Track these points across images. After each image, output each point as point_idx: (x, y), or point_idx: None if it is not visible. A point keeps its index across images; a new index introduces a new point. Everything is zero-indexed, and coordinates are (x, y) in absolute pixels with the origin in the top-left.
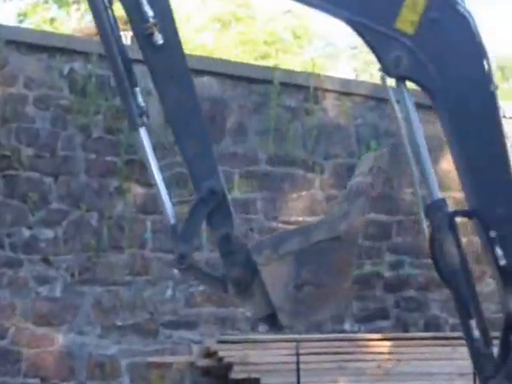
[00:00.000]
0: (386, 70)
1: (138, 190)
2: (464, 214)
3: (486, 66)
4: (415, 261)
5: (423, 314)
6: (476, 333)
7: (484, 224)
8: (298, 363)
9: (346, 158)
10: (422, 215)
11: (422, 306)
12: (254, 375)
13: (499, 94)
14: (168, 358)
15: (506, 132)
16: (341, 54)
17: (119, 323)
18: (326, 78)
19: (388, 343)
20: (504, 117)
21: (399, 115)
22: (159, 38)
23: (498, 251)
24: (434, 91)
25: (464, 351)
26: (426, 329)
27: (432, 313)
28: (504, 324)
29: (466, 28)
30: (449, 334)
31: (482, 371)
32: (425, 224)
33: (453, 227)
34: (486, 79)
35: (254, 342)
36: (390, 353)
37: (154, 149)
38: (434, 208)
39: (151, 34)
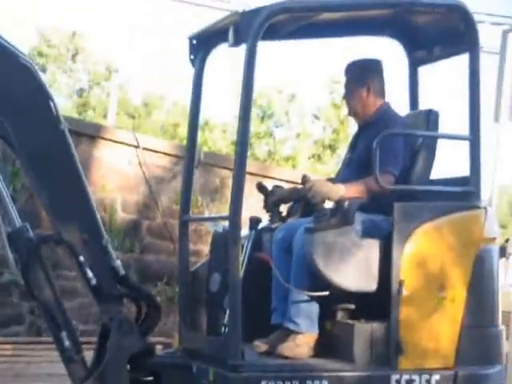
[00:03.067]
0: None
1: None
2: (51, 239)
3: (54, 108)
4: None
5: None
6: (67, 342)
7: (72, 249)
8: None
9: None
10: (6, 243)
11: None
12: None
13: (143, 128)
14: None
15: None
16: None
17: None
18: None
19: (20, 347)
20: (137, 147)
21: None
22: None
23: (89, 272)
24: (10, 140)
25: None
26: None
27: None
28: (99, 333)
29: (30, 77)
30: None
31: (76, 375)
32: (9, 250)
33: (38, 253)
34: (54, 120)
35: None
36: (21, 355)
37: None
38: (16, 236)
39: None
